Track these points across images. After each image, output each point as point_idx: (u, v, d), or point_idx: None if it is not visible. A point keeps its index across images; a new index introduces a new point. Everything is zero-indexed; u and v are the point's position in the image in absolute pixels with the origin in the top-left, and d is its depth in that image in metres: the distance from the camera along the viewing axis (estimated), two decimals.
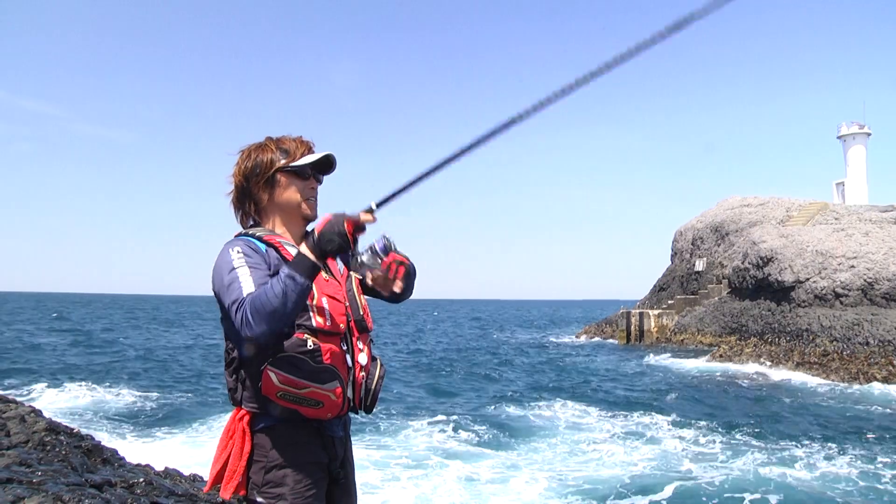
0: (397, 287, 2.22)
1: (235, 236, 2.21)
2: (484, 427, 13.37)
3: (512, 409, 15.73)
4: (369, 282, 2.26)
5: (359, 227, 1.95)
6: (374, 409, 2.31)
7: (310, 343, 2.05)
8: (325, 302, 2.12)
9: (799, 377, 22.40)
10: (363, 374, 2.22)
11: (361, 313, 2.27)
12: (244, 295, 1.94)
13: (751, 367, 24.54)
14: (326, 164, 2.26)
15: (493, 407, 16.04)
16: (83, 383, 17.14)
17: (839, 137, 45.95)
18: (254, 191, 2.22)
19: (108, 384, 17.46)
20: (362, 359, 2.22)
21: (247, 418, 2.09)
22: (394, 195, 1.96)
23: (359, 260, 2.12)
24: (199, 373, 21.11)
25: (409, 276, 2.26)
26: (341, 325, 2.15)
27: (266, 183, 2.20)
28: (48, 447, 5.77)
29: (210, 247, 2.32)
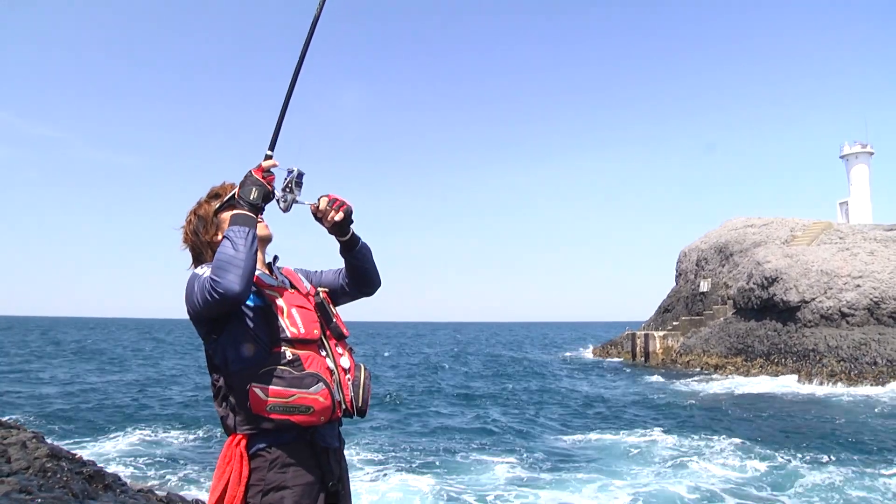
0: (338, 216, 2.37)
1: None
2: (538, 453, 13.29)
3: (559, 433, 15.69)
4: (312, 209, 2.39)
5: (266, 171, 2.23)
6: (367, 413, 2.37)
7: (288, 354, 2.15)
8: (294, 312, 2.24)
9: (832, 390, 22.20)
10: (348, 377, 2.30)
11: (335, 320, 2.40)
12: (206, 275, 2.10)
13: (784, 382, 24.33)
14: None
15: (539, 431, 15.98)
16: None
17: (842, 157, 46.06)
18: (206, 239, 2.38)
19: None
20: (344, 362, 2.31)
21: (243, 443, 2.13)
22: (276, 132, 2.29)
23: (285, 197, 2.28)
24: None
25: (349, 217, 2.41)
26: (315, 331, 2.26)
27: (212, 227, 2.38)
28: (49, 473, 5.75)
29: None
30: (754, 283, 31.52)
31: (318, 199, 2.39)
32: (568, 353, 50.45)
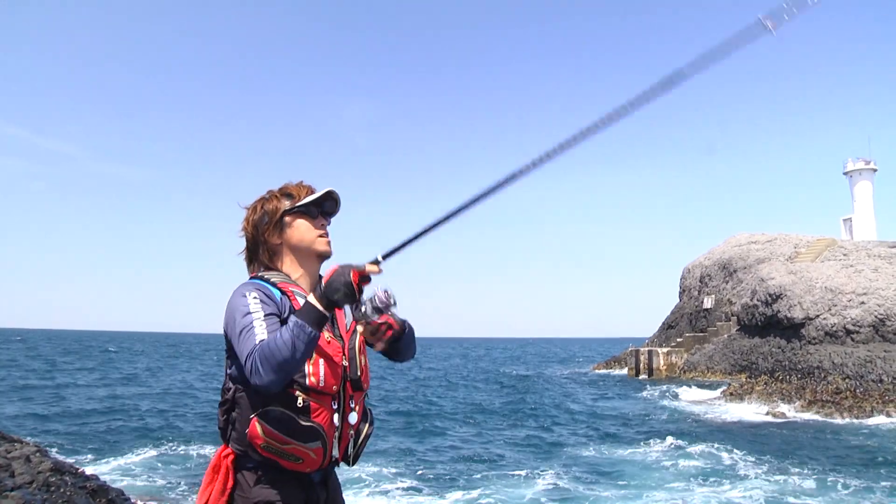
0: (380, 346, 2.28)
1: (251, 278, 2.27)
2: (565, 467, 13.31)
3: (582, 448, 15.72)
4: (360, 332, 2.29)
5: (364, 278, 2.02)
6: (357, 463, 2.34)
7: (300, 400, 2.09)
8: (321, 363, 2.14)
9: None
10: (351, 432, 2.26)
11: (359, 373, 2.28)
12: (256, 343, 1.97)
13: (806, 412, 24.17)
14: (330, 201, 2.32)
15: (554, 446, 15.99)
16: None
17: (845, 173, 46.07)
18: (266, 237, 2.27)
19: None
20: (352, 418, 2.24)
21: (231, 457, 2.15)
22: (400, 247, 2.05)
23: (362, 310, 2.13)
24: None
25: (397, 340, 2.30)
26: (334, 386, 2.17)
27: (276, 227, 2.27)
28: (52, 488, 5.74)
29: (228, 283, 2.41)
30: (758, 300, 31.43)
31: (365, 326, 2.26)
32: (571, 370, 50.25)
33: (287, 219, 2.27)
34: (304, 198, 2.28)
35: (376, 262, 2.04)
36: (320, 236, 2.30)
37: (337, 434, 2.18)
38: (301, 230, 2.27)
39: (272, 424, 2.04)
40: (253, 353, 1.94)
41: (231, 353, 2.16)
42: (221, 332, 2.19)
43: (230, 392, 2.16)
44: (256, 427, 2.05)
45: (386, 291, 2.11)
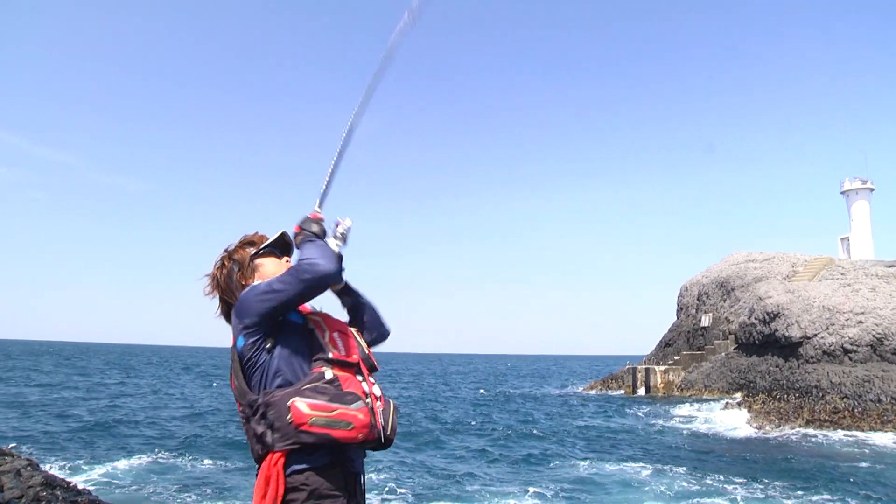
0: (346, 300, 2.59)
1: None
2: (553, 482, 13.36)
3: (571, 464, 15.71)
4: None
5: (319, 218, 2.41)
6: (393, 444, 2.44)
7: (328, 374, 2.25)
8: (336, 336, 2.38)
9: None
10: (379, 404, 2.37)
11: (367, 353, 2.50)
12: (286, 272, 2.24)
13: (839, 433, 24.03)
14: (286, 242, 2.55)
15: (551, 463, 15.93)
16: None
17: (842, 193, 46.22)
18: (240, 282, 2.47)
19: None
20: (376, 390, 2.39)
21: (281, 462, 2.17)
22: (325, 191, 2.46)
23: (335, 239, 2.42)
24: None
25: (355, 302, 2.63)
26: (355, 356, 2.37)
27: (248, 271, 2.48)
28: (43, 502, 5.66)
29: None
30: (756, 319, 31.39)
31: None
32: (567, 387, 50.07)
33: (256, 261, 2.48)
34: (264, 243, 2.52)
35: (316, 212, 2.43)
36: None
37: (369, 403, 2.28)
38: (271, 267, 2.47)
39: (313, 398, 2.15)
40: (290, 269, 2.22)
41: (250, 357, 2.26)
42: (220, 345, 2.25)
43: (257, 400, 2.22)
44: (299, 406, 2.13)
45: (338, 220, 2.46)
